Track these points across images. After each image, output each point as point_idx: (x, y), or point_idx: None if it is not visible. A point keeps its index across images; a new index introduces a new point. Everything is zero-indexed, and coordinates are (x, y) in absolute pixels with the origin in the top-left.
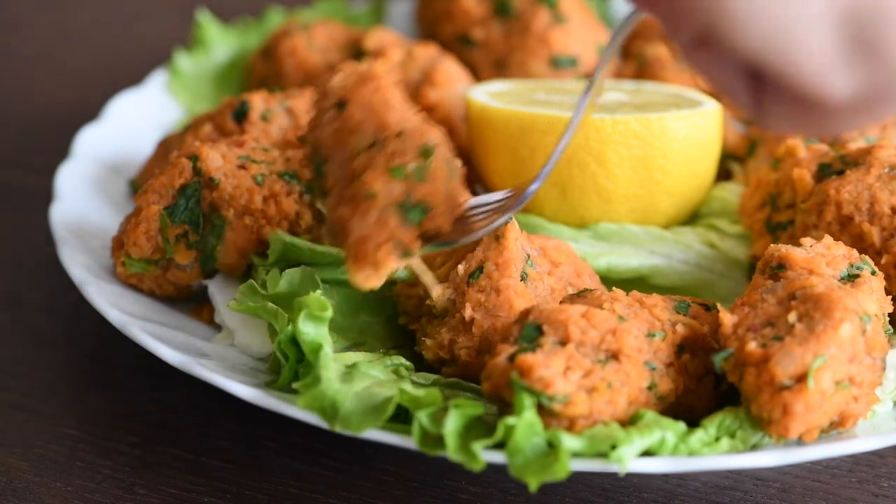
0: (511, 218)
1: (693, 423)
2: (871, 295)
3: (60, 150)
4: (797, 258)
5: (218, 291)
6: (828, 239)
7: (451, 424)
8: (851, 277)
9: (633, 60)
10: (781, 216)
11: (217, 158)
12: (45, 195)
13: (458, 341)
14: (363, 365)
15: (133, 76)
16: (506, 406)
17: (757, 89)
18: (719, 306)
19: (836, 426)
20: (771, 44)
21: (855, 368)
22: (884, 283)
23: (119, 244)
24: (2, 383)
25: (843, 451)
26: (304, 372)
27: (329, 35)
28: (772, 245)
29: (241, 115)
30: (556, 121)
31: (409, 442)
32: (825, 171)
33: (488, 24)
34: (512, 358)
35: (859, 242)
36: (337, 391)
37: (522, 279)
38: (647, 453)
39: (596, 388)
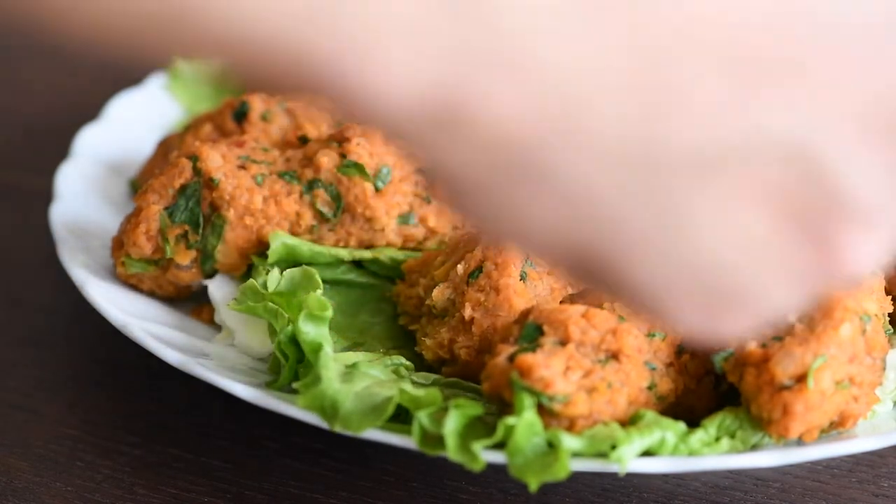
0: None
1: (693, 423)
2: (871, 295)
3: (60, 150)
4: None
5: (218, 291)
6: None
7: (451, 424)
8: None
9: None
10: None
11: (217, 158)
12: (45, 195)
13: (457, 341)
14: (363, 365)
15: (133, 76)
16: (506, 406)
17: None
18: None
19: (836, 426)
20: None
21: (855, 368)
22: (884, 283)
23: (119, 244)
24: (2, 383)
25: (843, 451)
26: (304, 372)
27: None
28: None
29: (241, 115)
30: None
31: (409, 442)
32: None
33: None
34: (512, 358)
35: None
36: (337, 391)
37: (522, 278)
38: (647, 453)
39: (596, 388)
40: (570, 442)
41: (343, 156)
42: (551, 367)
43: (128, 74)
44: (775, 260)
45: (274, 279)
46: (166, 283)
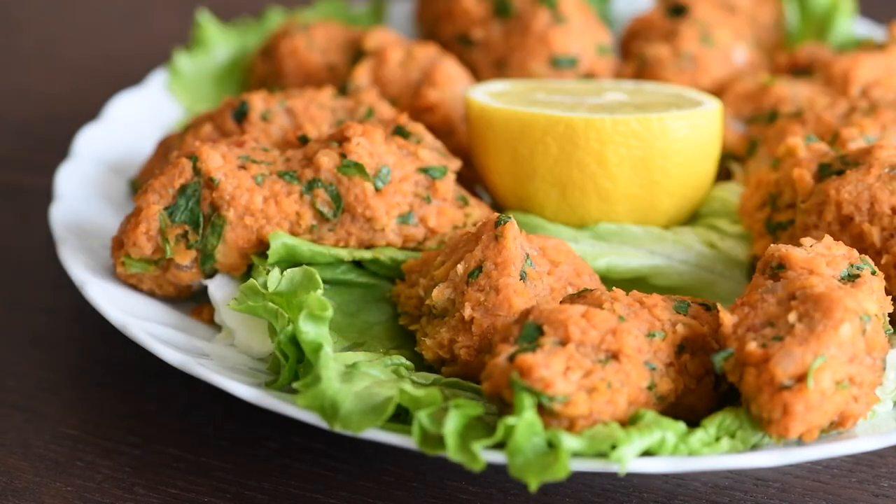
0: None
1: (693, 423)
2: (871, 295)
3: (60, 150)
4: (797, 258)
5: (218, 291)
6: (828, 239)
7: (451, 424)
8: (851, 277)
9: (633, 60)
10: (781, 216)
11: (217, 158)
12: (45, 195)
13: (457, 340)
14: (363, 365)
15: (133, 76)
16: (506, 406)
17: None
18: (719, 306)
19: (836, 426)
20: None
21: (855, 368)
22: (884, 283)
23: (119, 244)
24: (2, 383)
25: (843, 451)
26: (304, 371)
27: (329, 35)
28: (772, 245)
29: (241, 115)
30: (556, 121)
31: (409, 442)
32: (825, 171)
33: (488, 24)
34: (512, 358)
35: (859, 242)
36: (337, 391)
37: (522, 278)
38: (647, 453)
39: (596, 388)
40: (570, 442)
41: (343, 156)
42: (551, 367)
43: (128, 74)
44: None
45: (274, 279)
46: (166, 283)
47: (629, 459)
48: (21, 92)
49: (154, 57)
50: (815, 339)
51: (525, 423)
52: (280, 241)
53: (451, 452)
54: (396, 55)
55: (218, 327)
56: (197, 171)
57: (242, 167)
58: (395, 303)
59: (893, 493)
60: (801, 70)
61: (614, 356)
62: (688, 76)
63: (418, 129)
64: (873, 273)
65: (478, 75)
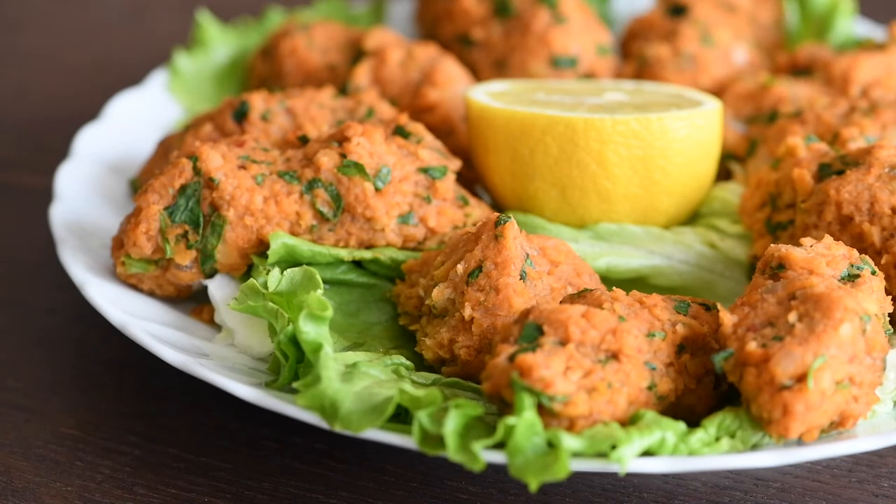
0: None
1: (693, 423)
2: (871, 295)
3: (60, 150)
4: (797, 258)
5: (218, 291)
6: (828, 239)
7: (451, 424)
8: (851, 277)
9: (633, 60)
10: (781, 216)
11: (217, 158)
12: (45, 195)
13: (457, 340)
14: (363, 365)
15: (133, 76)
16: (506, 406)
17: None
18: (719, 306)
19: (836, 426)
20: None
21: (855, 368)
22: (884, 283)
23: (119, 244)
24: (2, 383)
25: (843, 451)
26: (305, 371)
27: (329, 35)
28: (772, 245)
29: (241, 115)
30: (556, 121)
31: (409, 442)
32: (825, 171)
33: (488, 24)
34: (512, 358)
35: (859, 242)
36: (337, 391)
37: (521, 278)
38: (647, 453)
39: (596, 388)
40: (570, 442)
41: (343, 156)
42: (551, 367)
43: (128, 74)
44: None
45: (274, 279)
46: (166, 283)
47: (629, 459)
48: (21, 92)
49: (154, 57)
50: (815, 339)
51: (525, 423)
52: (280, 241)
53: (451, 452)
54: (396, 55)
55: (218, 327)
56: (197, 171)
57: (242, 167)
58: (395, 303)
59: (893, 493)
60: (801, 70)
61: (614, 356)
62: (688, 76)
63: (418, 129)
64: (873, 273)
65: (478, 75)
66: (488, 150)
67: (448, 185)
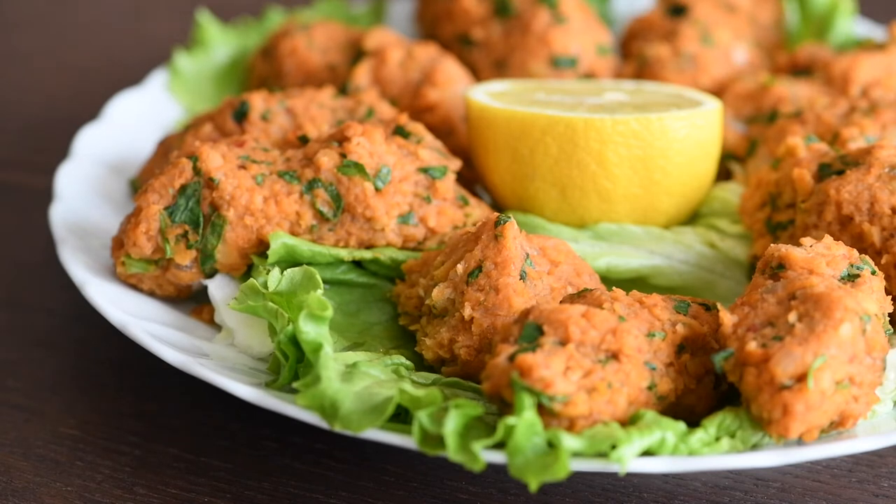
0: None
1: (693, 423)
2: (871, 295)
3: (60, 150)
4: (797, 258)
5: (218, 291)
6: (828, 239)
7: (451, 424)
8: (851, 277)
9: (633, 60)
10: (781, 216)
11: (217, 158)
12: (45, 195)
13: (457, 340)
14: (363, 364)
15: (133, 76)
16: (506, 406)
17: None
18: (719, 306)
19: (836, 426)
20: None
21: (855, 368)
22: (884, 283)
23: (119, 244)
24: (2, 383)
25: (843, 451)
26: (304, 371)
27: (329, 35)
28: (772, 245)
29: (241, 115)
30: (556, 121)
31: (409, 442)
32: (825, 171)
33: (488, 24)
34: (512, 358)
35: (859, 242)
36: (337, 391)
37: (521, 278)
38: (647, 453)
39: (596, 388)
40: (570, 442)
41: (343, 156)
42: (551, 367)
43: (128, 74)
44: None
45: (274, 279)
46: (166, 283)
47: (629, 459)
48: (21, 92)
49: (154, 57)
50: (815, 339)
51: (525, 423)
52: (280, 240)
53: (451, 452)
54: (396, 55)
55: (218, 327)
56: (197, 170)
57: (242, 167)
58: (395, 303)
59: (893, 493)
60: (801, 70)
61: (614, 356)
62: (688, 76)
63: (418, 129)
64: (873, 273)
65: (478, 75)
66: (488, 150)
67: (448, 185)
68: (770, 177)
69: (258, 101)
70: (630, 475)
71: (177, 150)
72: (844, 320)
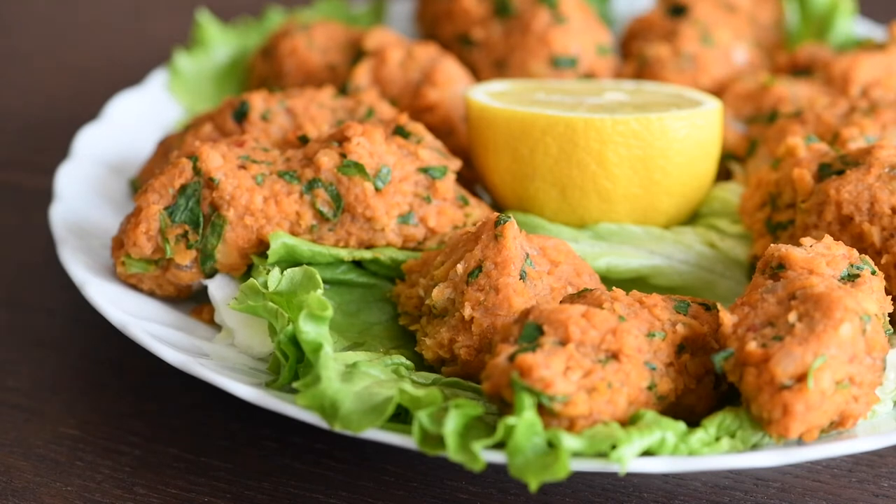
0: None
1: (693, 423)
2: (871, 295)
3: (60, 150)
4: (797, 258)
5: (218, 291)
6: (828, 239)
7: (451, 424)
8: (851, 277)
9: (633, 60)
10: (781, 216)
11: (217, 158)
12: (45, 195)
13: (457, 340)
14: (363, 364)
15: (133, 76)
16: (506, 406)
17: None
18: (719, 306)
19: (836, 426)
20: None
21: (855, 368)
22: (884, 283)
23: (119, 244)
24: (2, 383)
25: (843, 451)
26: (304, 371)
27: (329, 35)
28: (772, 245)
29: (241, 115)
30: (556, 121)
31: (409, 442)
32: (825, 171)
33: (488, 24)
34: (512, 358)
35: (859, 242)
36: (337, 390)
37: (521, 278)
38: (647, 453)
39: (596, 388)
40: (570, 442)
41: (343, 156)
42: (551, 367)
43: (128, 74)
44: None
45: (274, 279)
46: (166, 283)
47: (629, 459)
48: (21, 92)
49: (154, 57)
50: (815, 339)
51: (525, 423)
52: (280, 240)
53: (451, 452)
54: (396, 55)
55: (218, 327)
56: (197, 170)
57: (242, 167)
58: (395, 303)
59: (893, 493)
60: (801, 70)
61: (614, 356)
62: (688, 76)
63: (418, 129)
64: (873, 273)
65: (478, 75)
66: (488, 150)
67: (448, 185)
68: (770, 177)
69: (258, 101)
70: (630, 475)
71: (177, 150)
72: (844, 320)
